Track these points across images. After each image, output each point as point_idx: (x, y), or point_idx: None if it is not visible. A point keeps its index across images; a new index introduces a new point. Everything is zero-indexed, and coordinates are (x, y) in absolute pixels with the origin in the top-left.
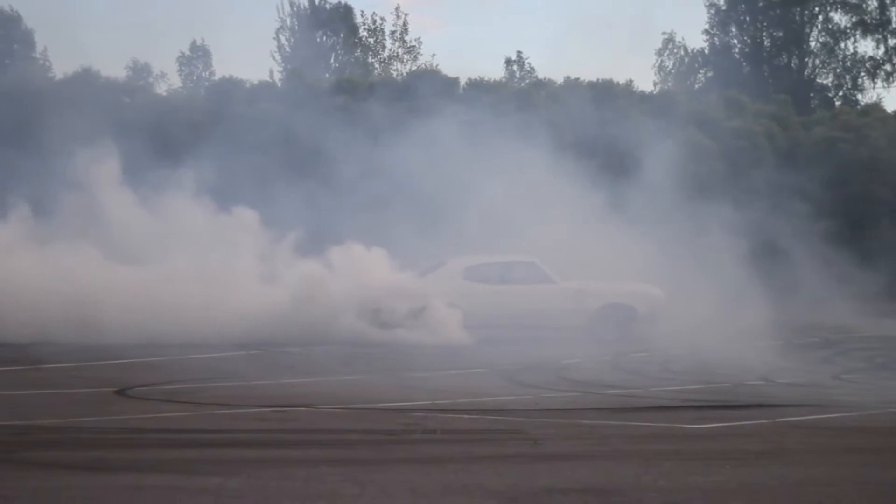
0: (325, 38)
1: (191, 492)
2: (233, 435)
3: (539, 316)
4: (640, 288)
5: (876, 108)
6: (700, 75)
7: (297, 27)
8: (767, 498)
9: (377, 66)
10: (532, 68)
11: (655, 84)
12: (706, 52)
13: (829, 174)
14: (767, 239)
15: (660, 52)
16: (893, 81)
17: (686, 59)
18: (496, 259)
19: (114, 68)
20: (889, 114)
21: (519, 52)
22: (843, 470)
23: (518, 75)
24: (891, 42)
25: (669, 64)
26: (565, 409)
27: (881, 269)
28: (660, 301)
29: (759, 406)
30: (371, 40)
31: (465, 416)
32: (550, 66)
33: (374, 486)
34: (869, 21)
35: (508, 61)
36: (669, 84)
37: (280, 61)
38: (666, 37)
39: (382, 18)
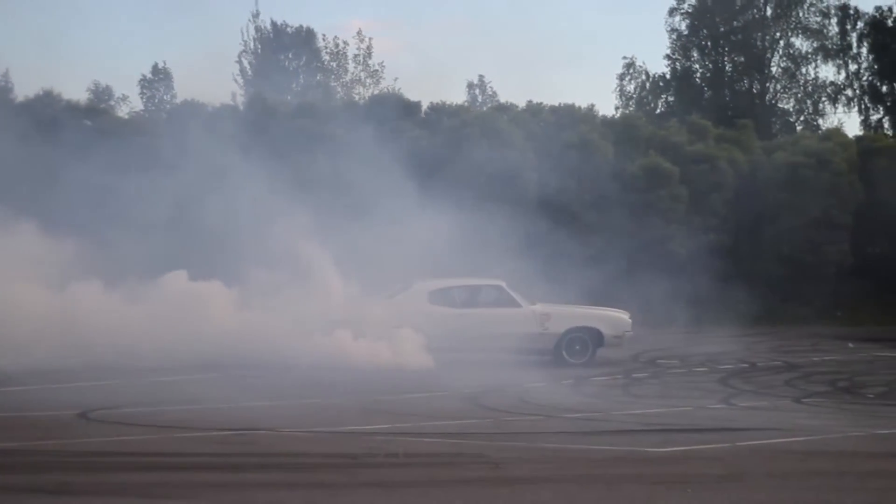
0: (287, 62)
1: None
2: (194, 458)
3: (504, 339)
4: (605, 312)
5: (837, 133)
6: (662, 100)
7: (259, 50)
8: None
9: (339, 89)
10: (494, 92)
11: (617, 108)
12: (667, 76)
13: (790, 199)
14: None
15: (621, 77)
16: (854, 107)
17: (647, 84)
18: (462, 282)
19: (76, 91)
20: (850, 139)
21: (481, 77)
22: (806, 495)
23: (480, 99)
24: (851, 67)
25: (631, 88)
26: (527, 432)
27: (842, 292)
28: (626, 325)
29: (721, 430)
30: (333, 64)
31: (427, 440)
32: (513, 92)
33: None
34: (830, 46)
35: (471, 85)
36: (631, 108)
37: (242, 84)
38: (627, 61)
39: (345, 42)
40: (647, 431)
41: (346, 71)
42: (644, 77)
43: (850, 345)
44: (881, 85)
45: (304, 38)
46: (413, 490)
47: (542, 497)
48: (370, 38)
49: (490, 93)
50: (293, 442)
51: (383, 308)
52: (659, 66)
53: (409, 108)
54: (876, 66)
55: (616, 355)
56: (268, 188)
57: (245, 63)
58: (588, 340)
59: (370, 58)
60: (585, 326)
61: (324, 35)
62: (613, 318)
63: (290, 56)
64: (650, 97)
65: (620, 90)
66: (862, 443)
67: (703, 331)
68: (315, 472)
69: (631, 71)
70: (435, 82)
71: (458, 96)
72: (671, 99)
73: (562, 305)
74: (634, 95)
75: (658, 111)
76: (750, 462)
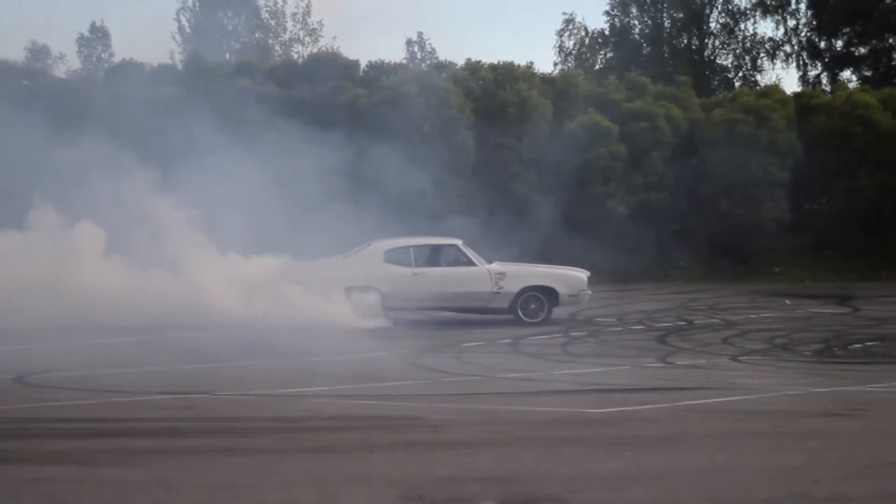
0: (227, 20)
1: (92, 484)
2: (132, 424)
3: (460, 298)
4: (562, 271)
5: (775, 89)
6: (601, 56)
7: (198, 7)
8: (668, 485)
9: (278, 48)
10: (433, 49)
11: (556, 65)
12: (606, 33)
13: (729, 156)
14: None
15: (560, 33)
16: (792, 62)
17: (587, 40)
18: (418, 242)
19: (13, 50)
20: (788, 96)
21: (420, 34)
22: (742, 456)
23: (419, 56)
24: (790, 23)
25: (570, 44)
26: (465, 393)
27: (780, 249)
28: (582, 284)
29: (658, 389)
30: (272, 23)
31: (366, 402)
32: (452, 49)
33: (276, 476)
34: (768, 2)
35: (410, 42)
36: (570, 65)
37: (181, 42)
38: (567, 17)
39: (284, 1)
40: (585, 392)
41: (285, 30)
42: (583, 33)
43: (788, 301)
44: (819, 41)
45: None
46: (352, 455)
47: (480, 461)
48: None
49: (429, 49)
50: (231, 406)
51: (340, 267)
52: (598, 22)
53: (347, 67)
54: (814, 22)
55: (555, 313)
56: (203, 150)
57: (183, 21)
58: (544, 299)
59: (309, 16)
60: (541, 286)
61: None
62: (569, 277)
63: (228, 14)
64: (589, 53)
65: (560, 46)
66: (798, 402)
67: (642, 288)
68: (254, 436)
69: (570, 27)
70: (374, 40)
71: (397, 53)
72: (610, 55)
73: (518, 265)
74: (574, 51)
75: (597, 67)
76: (688, 423)
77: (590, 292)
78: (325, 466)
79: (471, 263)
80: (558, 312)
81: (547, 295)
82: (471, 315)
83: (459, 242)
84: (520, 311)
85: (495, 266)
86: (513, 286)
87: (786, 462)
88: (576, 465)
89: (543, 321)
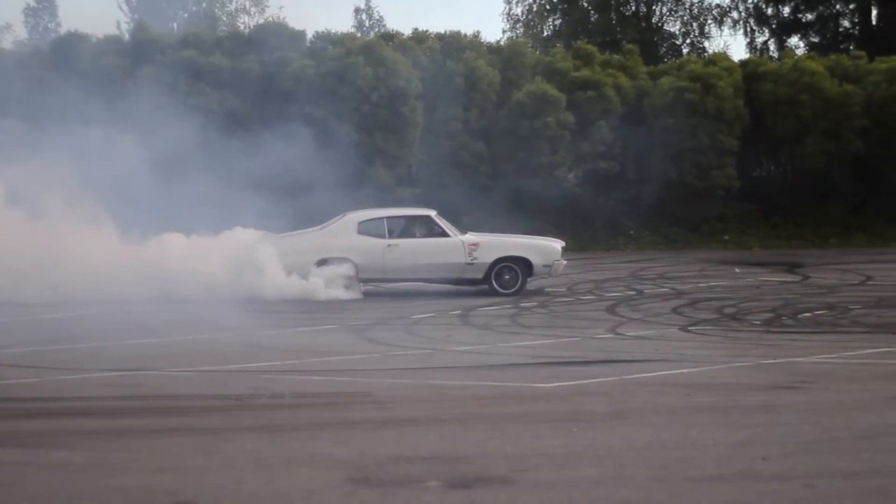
0: None
1: (36, 467)
2: (78, 403)
3: (433, 269)
4: (535, 241)
5: (722, 57)
6: (549, 24)
7: None
8: (615, 463)
9: (224, 18)
10: (381, 17)
11: (504, 32)
12: (555, 0)
13: (676, 124)
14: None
15: (508, 1)
16: (740, 29)
17: (535, 7)
18: (391, 213)
19: None
20: (735, 63)
21: (367, 2)
22: (691, 431)
23: (368, 24)
24: None
25: (518, 11)
26: (414, 368)
27: (729, 216)
28: (556, 254)
29: (607, 362)
30: None
31: (315, 378)
32: (401, 17)
33: (220, 456)
34: None
35: (358, 11)
36: (519, 32)
37: (127, 12)
38: None
39: None
40: (534, 365)
41: (231, 0)
42: (531, 0)
43: (737, 270)
44: (766, 7)
45: None
46: (298, 434)
47: (426, 439)
48: None
49: (377, 17)
50: (178, 383)
51: (314, 239)
52: None
53: (294, 38)
54: None
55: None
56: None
57: None
58: (518, 270)
59: None
60: (514, 256)
61: None
62: (543, 248)
63: None
64: (538, 20)
65: (508, 13)
66: (747, 374)
67: (591, 258)
68: (199, 415)
69: None
70: (322, 10)
71: (345, 22)
72: (559, 22)
73: (492, 235)
74: (522, 19)
75: (546, 34)
76: (636, 397)
77: (564, 262)
78: (270, 446)
79: (444, 234)
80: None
81: (521, 265)
82: (421, 285)
83: (433, 213)
84: (494, 282)
85: (469, 237)
86: (486, 257)
87: (733, 438)
88: (522, 443)
89: (518, 292)
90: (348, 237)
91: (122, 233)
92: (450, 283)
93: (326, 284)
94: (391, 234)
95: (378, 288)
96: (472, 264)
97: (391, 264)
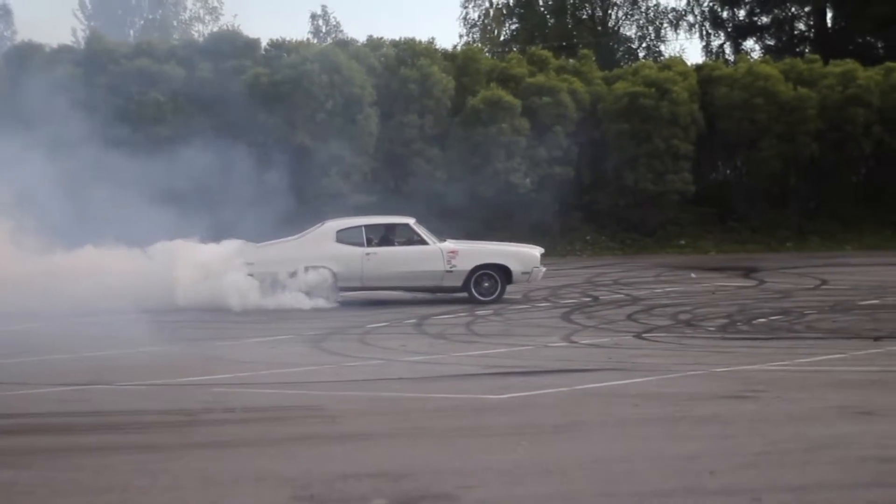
0: None
1: None
2: (27, 420)
3: (412, 277)
4: (514, 249)
5: (678, 61)
6: (505, 28)
7: None
8: (562, 479)
9: (177, 25)
10: (338, 23)
11: (461, 37)
12: (511, 4)
13: (632, 129)
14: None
15: (465, 4)
16: (695, 33)
17: (491, 12)
18: (370, 221)
19: None
20: (690, 68)
21: (324, 7)
22: (638, 444)
23: (324, 30)
24: None
25: (475, 16)
26: (367, 379)
27: (685, 221)
28: (535, 261)
29: (560, 371)
30: (172, 1)
31: (267, 391)
32: (358, 21)
33: (166, 475)
34: None
35: (314, 16)
36: (475, 36)
37: (83, 19)
38: None
39: None
40: (486, 375)
41: (185, 8)
42: (488, 4)
43: (693, 275)
44: (721, 10)
45: None
46: (247, 450)
47: (374, 454)
48: None
49: (334, 23)
50: (129, 397)
51: (293, 248)
52: None
53: (248, 45)
54: None
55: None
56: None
57: None
58: (497, 277)
59: None
60: (493, 263)
61: None
62: (522, 255)
63: None
64: (494, 25)
65: (464, 18)
66: (699, 383)
67: (547, 264)
68: (148, 432)
69: None
70: (277, 15)
71: (301, 27)
72: (515, 26)
73: (471, 242)
74: (478, 23)
75: (502, 38)
76: (586, 408)
77: (543, 269)
78: (217, 464)
79: (423, 242)
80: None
81: (500, 273)
82: (375, 294)
83: (412, 221)
84: (473, 290)
85: (448, 244)
86: (465, 264)
87: (682, 450)
88: (470, 458)
89: (497, 299)
90: (327, 246)
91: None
92: (428, 290)
93: (304, 293)
94: (370, 243)
95: (355, 296)
96: (450, 272)
97: (370, 272)
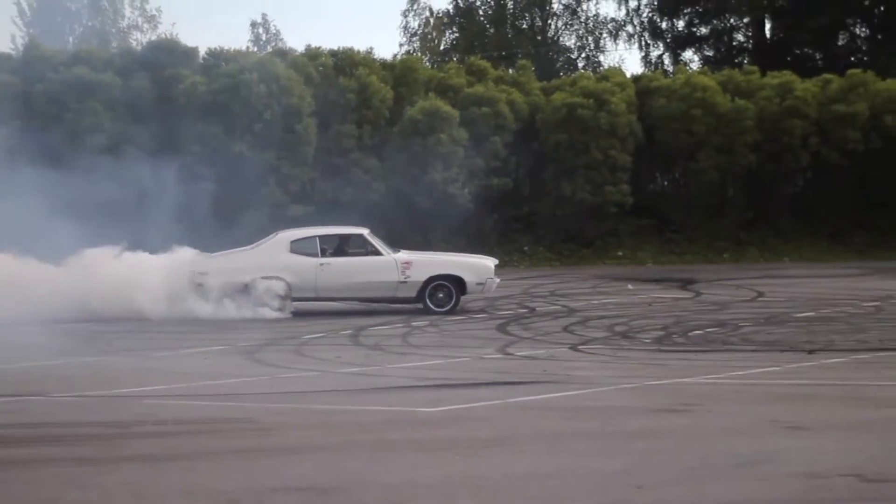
0: (70, 2)
1: None
2: None
3: (366, 288)
4: (468, 259)
5: (616, 72)
6: (446, 37)
7: None
8: (491, 494)
9: (114, 32)
10: (278, 31)
11: (401, 45)
12: (451, 13)
13: (570, 140)
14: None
15: (405, 13)
16: (635, 43)
17: (432, 21)
18: (323, 231)
19: None
20: (628, 79)
21: (264, 15)
22: (568, 459)
23: (264, 38)
24: (632, 3)
25: (415, 25)
26: (300, 391)
27: (623, 232)
28: (488, 272)
29: (494, 384)
30: (110, 10)
31: (200, 403)
32: (299, 30)
33: (97, 489)
34: None
35: (254, 24)
36: (415, 46)
37: (22, 26)
38: None
39: None
40: (421, 388)
41: (123, 17)
42: (428, 13)
43: (630, 286)
44: (661, 21)
45: None
46: (178, 464)
47: (305, 468)
48: None
49: (274, 31)
50: (63, 409)
51: (246, 259)
52: (444, 2)
53: (186, 54)
54: (655, 2)
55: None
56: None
57: (24, 4)
58: (452, 288)
59: (147, 3)
60: (447, 274)
61: None
62: (476, 266)
63: None
64: (435, 34)
65: (405, 27)
66: (632, 397)
67: None
68: (80, 444)
69: (415, 7)
70: (219, 24)
71: (242, 36)
72: (456, 35)
73: (424, 253)
74: (418, 32)
75: (443, 48)
76: (519, 422)
77: (498, 280)
78: (149, 477)
79: (377, 253)
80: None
81: (454, 283)
82: (314, 305)
83: (365, 231)
84: (428, 301)
85: (402, 255)
86: (419, 275)
87: (611, 466)
88: (400, 473)
89: (452, 310)
90: (281, 256)
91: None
92: (383, 301)
93: (258, 303)
94: (324, 253)
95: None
96: (405, 283)
97: (324, 283)
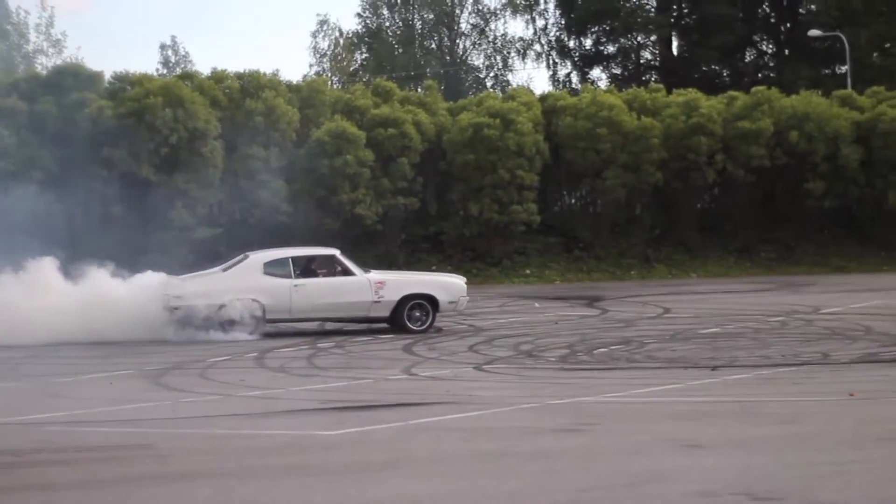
0: None
1: None
2: None
3: (340, 308)
4: (440, 278)
5: (523, 92)
6: (356, 58)
7: None
8: None
9: (20, 59)
10: (187, 53)
11: (311, 66)
12: (360, 32)
13: (476, 160)
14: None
15: (315, 34)
16: (542, 62)
17: (341, 41)
18: (295, 253)
19: None
20: (534, 98)
21: (173, 37)
22: (463, 482)
23: (173, 60)
24: (539, 22)
25: (325, 45)
26: (201, 416)
27: (530, 250)
28: (461, 290)
29: (397, 406)
30: (14, 34)
31: (101, 430)
32: (207, 52)
33: None
34: (518, 1)
35: (164, 46)
36: (325, 66)
37: None
38: (321, 18)
39: (27, 12)
40: (322, 410)
41: (28, 41)
42: (337, 34)
43: (537, 304)
44: (568, 39)
45: None
46: (74, 493)
47: (197, 496)
48: (52, 7)
49: (183, 53)
50: None
51: (219, 281)
52: (353, 22)
53: (91, 79)
54: (563, 22)
55: (304, 325)
56: None
57: None
58: (427, 307)
59: (52, 27)
60: (420, 293)
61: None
62: (449, 284)
63: None
64: (345, 54)
65: (314, 48)
66: (532, 416)
67: None
68: None
69: (324, 28)
70: (125, 46)
71: (151, 58)
72: (365, 56)
73: (397, 273)
74: (328, 53)
75: (353, 68)
76: (417, 444)
77: (468, 298)
78: None
79: (349, 273)
80: (305, 324)
81: (428, 302)
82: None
83: (337, 252)
84: (406, 320)
85: (374, 275)
86: (393, 295)
87: (504, 487)
88: (294, 497)
89: (427, 329)
90: (254, 278)
91: None
92: (357, 321)
93: (232, 326)
94: (297, 274)
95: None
96: (378, 302)
97: (298, 304)
